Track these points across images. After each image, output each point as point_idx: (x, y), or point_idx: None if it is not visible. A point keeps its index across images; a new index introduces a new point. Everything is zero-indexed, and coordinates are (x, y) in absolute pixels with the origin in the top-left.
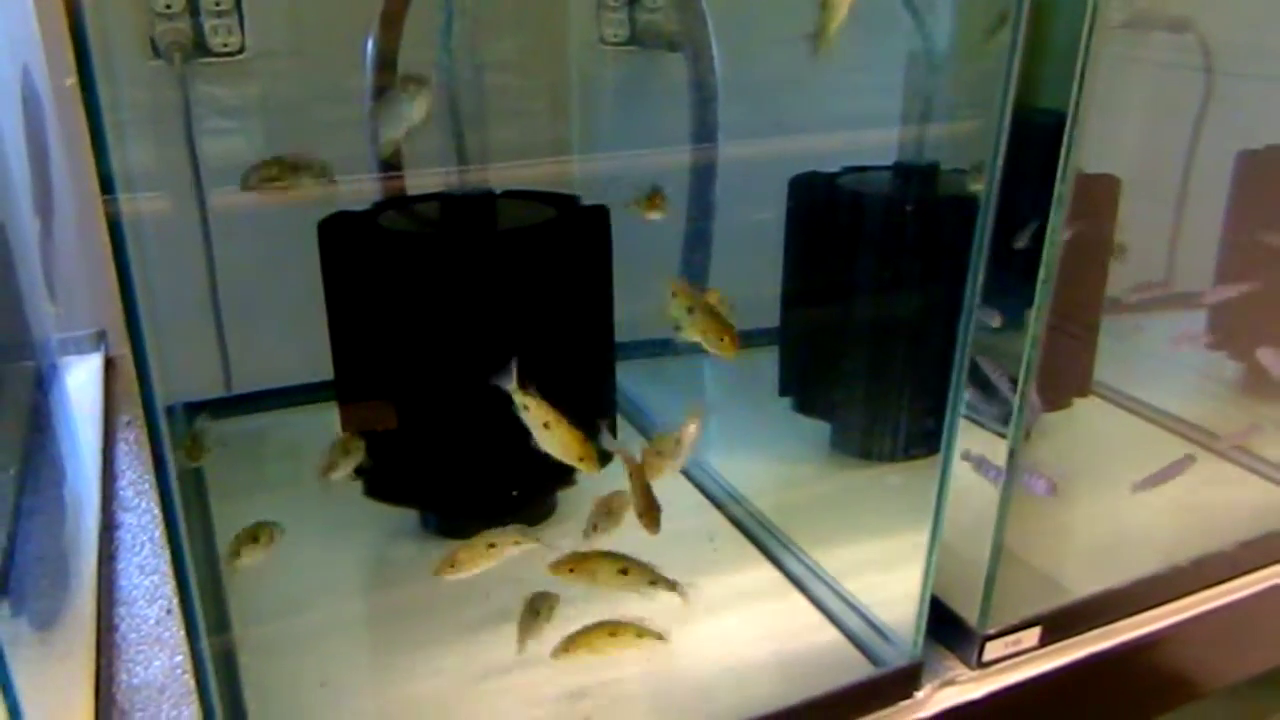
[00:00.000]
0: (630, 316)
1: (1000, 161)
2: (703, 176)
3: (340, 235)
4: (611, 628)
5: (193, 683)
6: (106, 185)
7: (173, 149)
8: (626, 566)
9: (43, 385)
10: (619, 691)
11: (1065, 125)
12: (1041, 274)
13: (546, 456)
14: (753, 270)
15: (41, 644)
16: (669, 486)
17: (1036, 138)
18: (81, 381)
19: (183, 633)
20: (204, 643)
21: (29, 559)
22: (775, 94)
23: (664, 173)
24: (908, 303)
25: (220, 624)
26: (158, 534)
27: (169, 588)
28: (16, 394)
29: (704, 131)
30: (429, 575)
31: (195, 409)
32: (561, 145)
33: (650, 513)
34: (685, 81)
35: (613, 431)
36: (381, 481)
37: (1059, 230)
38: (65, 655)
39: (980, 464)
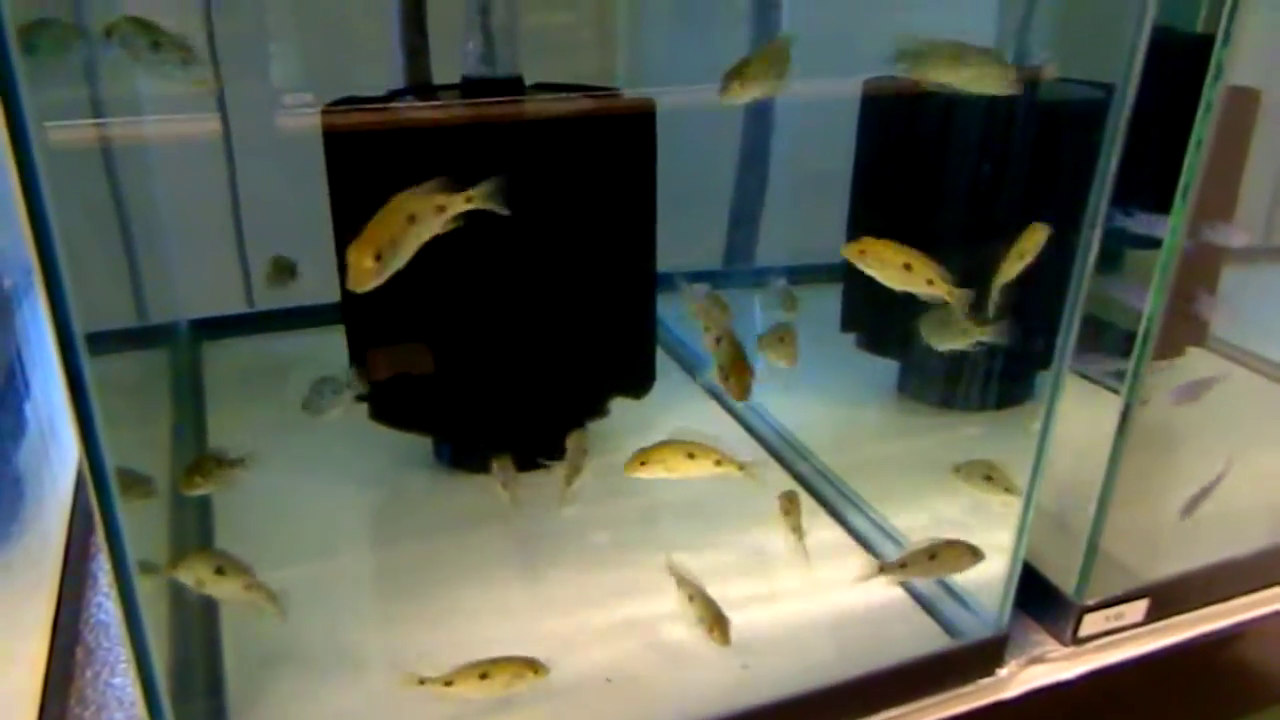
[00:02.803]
0: (675, 244)
1: (1138, 67)
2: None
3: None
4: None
5: (125, 624)
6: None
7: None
8: (693, 451)
9: (12, 304)
10: (667, 650)
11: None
12: (1181, 185)
13: (574, 383)
14: (812, 194)
15: (3, 570)
16: (716, 428)
17: (1167, 43)
18: None
19: (109, 564)
20: (133, 579)
21: (2, 481)
22: None
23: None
24: (1001, 226)
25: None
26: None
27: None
28: None
29: (762, 40)
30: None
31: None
32: (606, 74)
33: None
34: None
35: (653, 371)
36: (389, 404)
37: (1204, 139)
38: (27, 584)
39: None
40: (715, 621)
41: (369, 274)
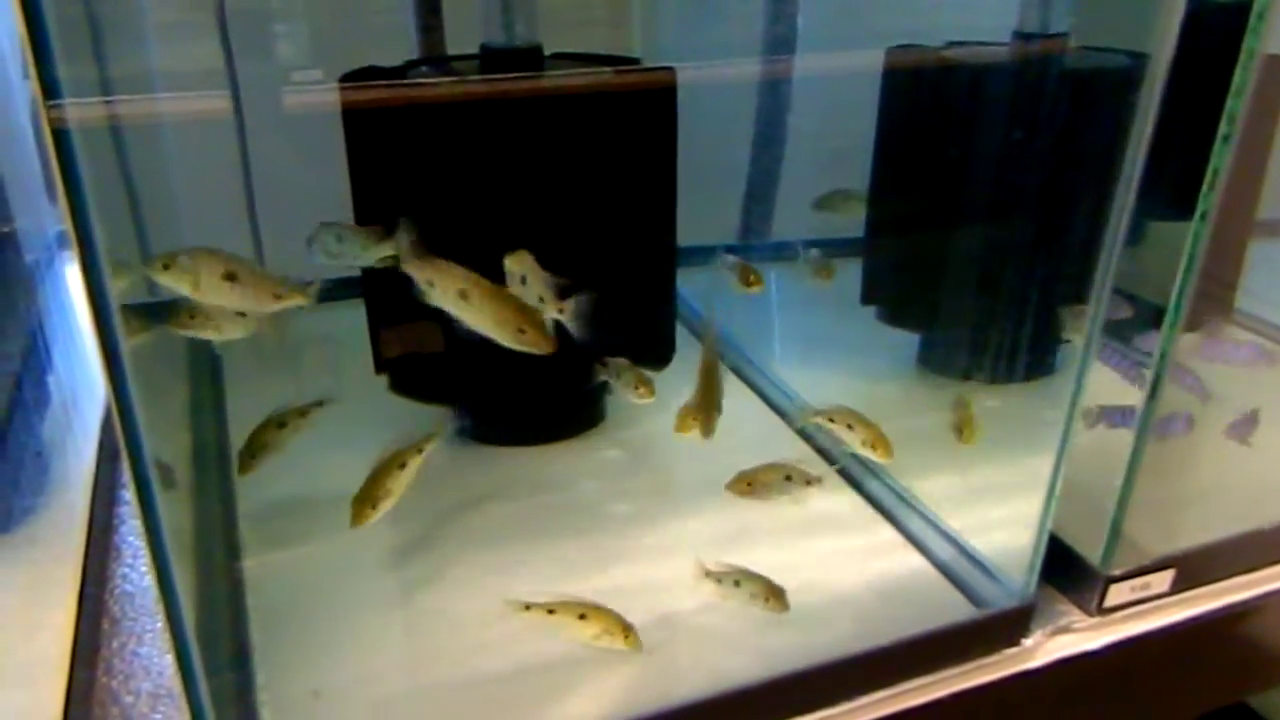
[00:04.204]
0: (691, 218)
1: (1174, 32)
2: (779, 67)
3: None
4: None
5: (158, 592)
6: (51, 90)
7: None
8: None
9: (35, 278)
10: (690, 622)
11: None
12: (1220, 134)
13: (595, 355)
14: (830, 167)
15: (28, 543)
16: (736, 403)
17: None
18: None
19: (146, 541)
20: (169, 554)
21: (25, 452)
22: None
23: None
24: (1026, 198)
25: (227, 530)
26: None
27: None
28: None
29: (780, 15)
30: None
31: None
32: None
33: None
34: None
35: (673, 342)
36: (409, 377)
37: (1239, 110)
38: (52, 557)
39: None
40: (771, 592)
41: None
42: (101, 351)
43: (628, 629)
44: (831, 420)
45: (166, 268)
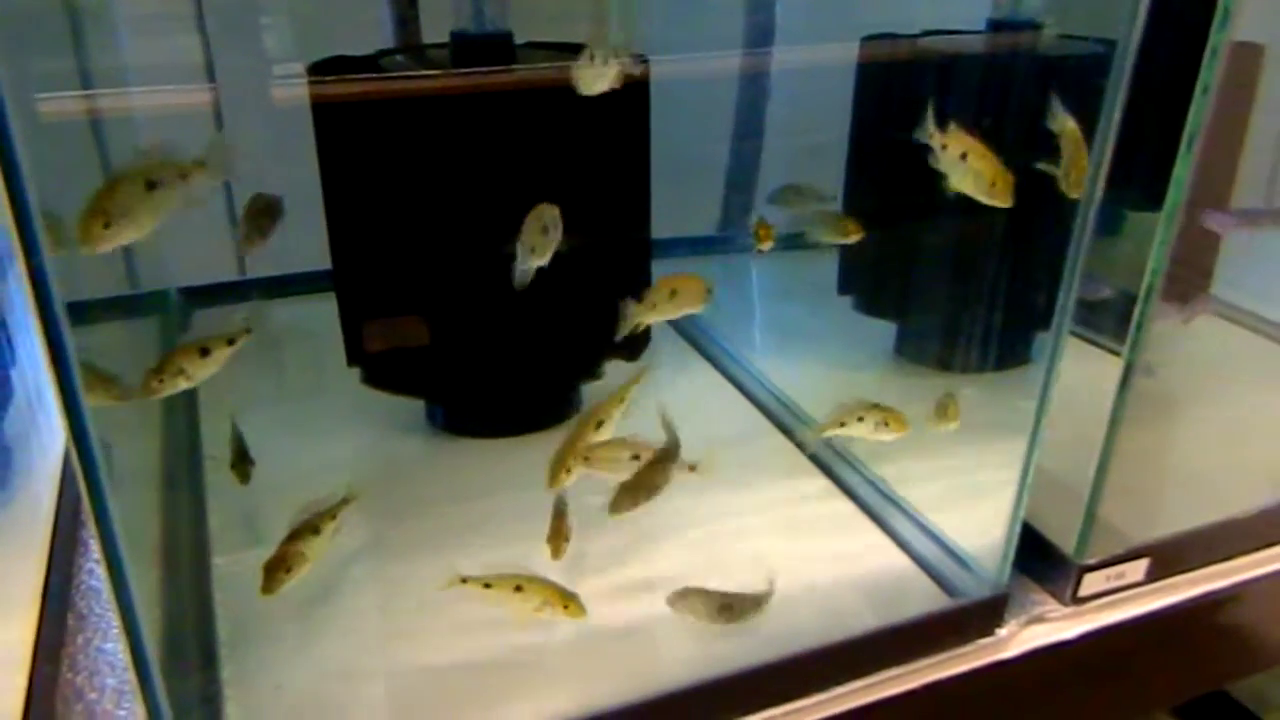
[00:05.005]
0: (673, 209)
1: (1140, 21)
2: (757, 58)
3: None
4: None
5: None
6: None
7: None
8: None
9: None
10: (663, 613)
11: None
12: (1186, 135)
13: (569, 344)
14: (808, 159)
15: None
16: (714, 394)
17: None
18: None
19: (97, 538)
20: (122, 552)
21: None
22: None
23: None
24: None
25: (196, 530)
26: None
27: None
28: None
29: (759, 6)
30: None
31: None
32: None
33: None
34: None
35: (647, 333)
36: (381, 369)
37: (1208, 97)
38: (16, 551)
39: None
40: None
41: (100, 239)
42: (45, 346)
43: (568, 599)
44: (842, 423)
45: (108, 226)
